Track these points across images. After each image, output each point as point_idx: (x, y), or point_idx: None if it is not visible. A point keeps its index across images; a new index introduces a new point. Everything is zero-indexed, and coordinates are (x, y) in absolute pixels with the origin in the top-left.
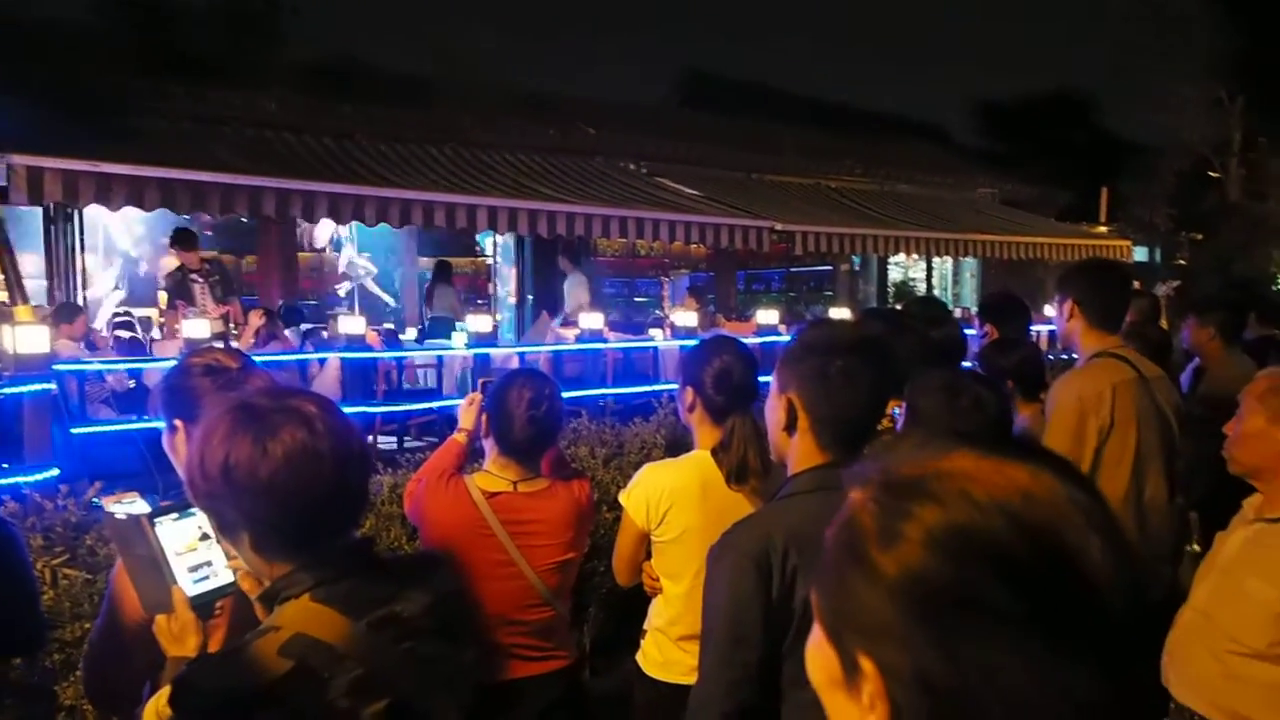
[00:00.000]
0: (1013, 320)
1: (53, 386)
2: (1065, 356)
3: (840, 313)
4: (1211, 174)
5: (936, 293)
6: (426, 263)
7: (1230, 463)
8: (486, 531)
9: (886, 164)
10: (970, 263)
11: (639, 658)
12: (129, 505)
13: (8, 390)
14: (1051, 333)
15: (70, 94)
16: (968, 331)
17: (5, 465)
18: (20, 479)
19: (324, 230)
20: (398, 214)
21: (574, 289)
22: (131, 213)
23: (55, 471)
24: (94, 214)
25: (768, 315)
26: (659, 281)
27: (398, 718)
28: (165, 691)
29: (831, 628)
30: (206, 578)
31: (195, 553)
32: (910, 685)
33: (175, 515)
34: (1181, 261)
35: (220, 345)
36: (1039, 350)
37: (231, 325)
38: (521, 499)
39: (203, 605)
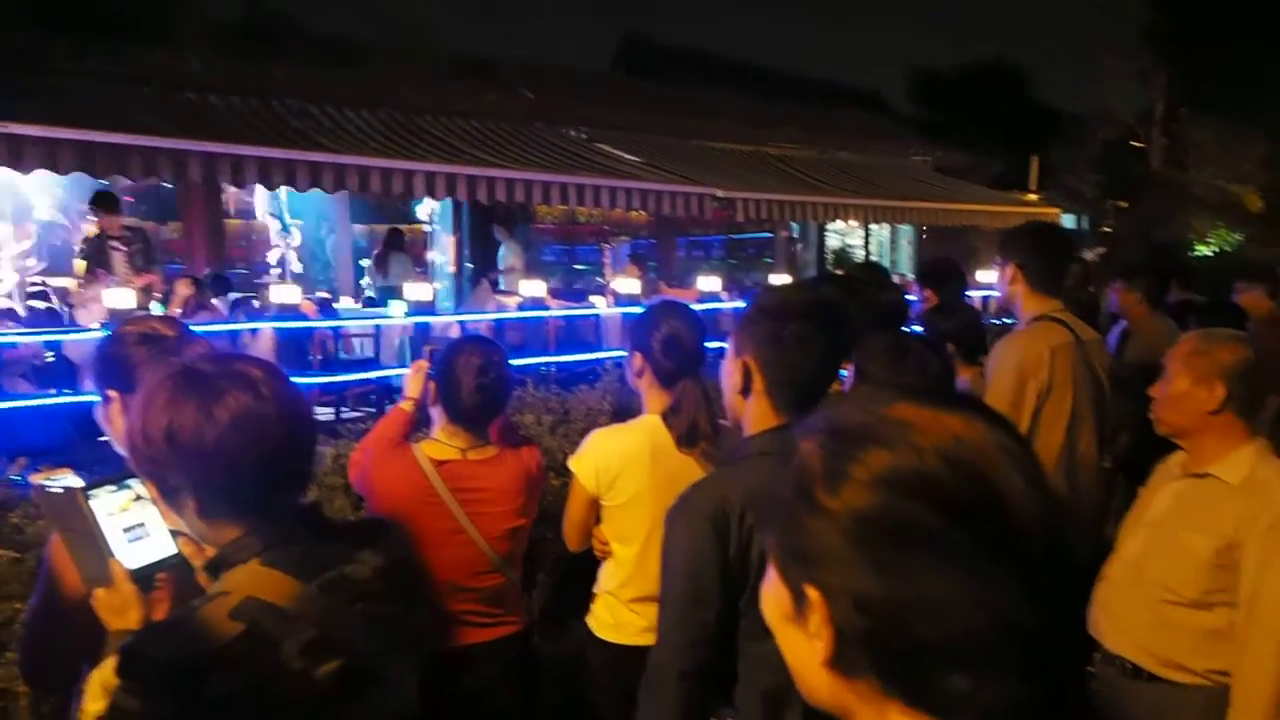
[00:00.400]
0: (951, 285)
1: None
2: (997, 322)
3: (780, 279)
4: (1136, 144)
5: (874, 259)
6: (360, 230)
7: (1157, 424)
8: (436, 500)
9: (825, 131)
10: (907, 230)
11: (590, 621)
12: (61, 481)
13: None
14: (986, 298)
15: None
16: (907, 297)
17: None
18: None
19: (262, 197)
20: (331, 179)
21: (507, 256)
22: (48, 177)
23: None
24: (5, 178)
25: (709, 282)
26: (599, 248)
27: (351, 679)
28: (111, 662)
29: (782, 564)
30: (140, 539)
31: (128, 513)
32: (851, 606)
33: (112, 488)
34: (1107, 229)
35: (157, 313)
36: (978, 315)
37: (155, 295)
38: (471, 467)
39: (144, 578)
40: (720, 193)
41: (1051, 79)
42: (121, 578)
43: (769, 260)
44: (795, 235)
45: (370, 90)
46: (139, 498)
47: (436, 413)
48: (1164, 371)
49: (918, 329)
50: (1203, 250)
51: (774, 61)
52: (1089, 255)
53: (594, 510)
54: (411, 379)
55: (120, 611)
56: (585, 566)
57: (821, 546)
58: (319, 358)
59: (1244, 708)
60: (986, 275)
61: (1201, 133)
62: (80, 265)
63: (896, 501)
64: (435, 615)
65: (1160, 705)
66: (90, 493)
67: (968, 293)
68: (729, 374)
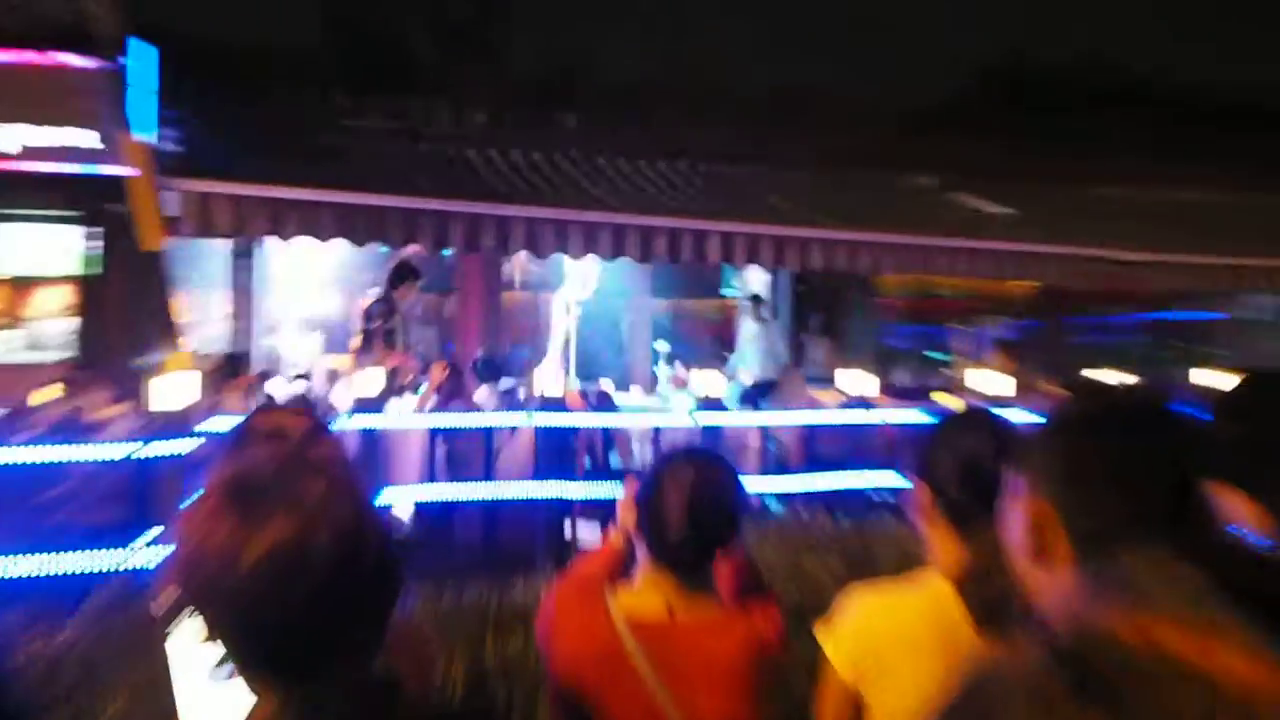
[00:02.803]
0: None
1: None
2: None
3: (1228, 378)
4: None
5: None
6: (661, 305)
7: None
8: (630, 671)
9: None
10: None
11: None
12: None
13: (146, 453)
14: None
15: (264, 116)
16: None
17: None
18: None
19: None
20: (609, 243)
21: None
22: (336, 250)
23: None
24: (286, 251)
25: (1109, 378)
26: (951, 331)
27: None
28: None
29: None
30: (228, 679)
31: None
32: None
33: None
34: None
35: (293, 406)
36: None
37: (405, 378)
38: (679, 631)
39: None
40: (1128, 256)
41: None
42: None
43: (1217, 353)
44: (1259, 315)
45: (667, 138)
46: None
47: (640, 551)
48: None
49: None
50: None
51: (1185, 74)
52: None
53: (853, 706)
54: (625, 505)
55: None
56: None
57: None
58: (587, 464)
59: None
60: None
61: None
62: (355, 342)
63: None
64: None
65: None
66: (170, 626)
67: None
68: (1015, 527)
